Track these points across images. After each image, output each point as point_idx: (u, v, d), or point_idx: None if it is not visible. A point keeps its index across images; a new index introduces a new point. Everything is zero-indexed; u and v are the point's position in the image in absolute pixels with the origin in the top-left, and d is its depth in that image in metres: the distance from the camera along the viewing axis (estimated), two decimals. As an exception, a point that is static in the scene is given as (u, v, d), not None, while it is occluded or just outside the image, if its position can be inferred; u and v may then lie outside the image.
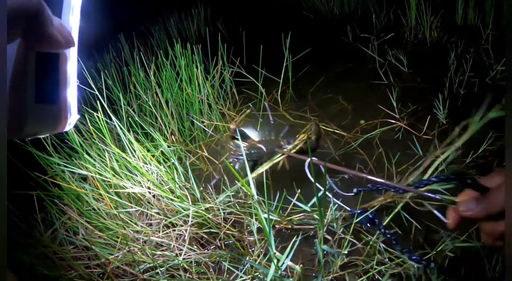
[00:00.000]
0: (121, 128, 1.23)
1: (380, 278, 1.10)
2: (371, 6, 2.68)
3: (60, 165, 1.27)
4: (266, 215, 0.73)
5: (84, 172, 1.22)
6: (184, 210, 1.20)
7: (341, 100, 1.90)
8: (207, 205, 1.21)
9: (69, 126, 0.42)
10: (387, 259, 1.10)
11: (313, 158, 1.12)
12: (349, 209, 1.13)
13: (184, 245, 1.17)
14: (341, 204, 1.12)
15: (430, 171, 1.11)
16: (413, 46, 2.33)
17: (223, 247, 1.25)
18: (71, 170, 1.25)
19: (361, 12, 2.83)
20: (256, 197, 0.67)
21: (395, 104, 1.68)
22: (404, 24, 2.47)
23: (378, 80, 1.97)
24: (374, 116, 1.70)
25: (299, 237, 1.10)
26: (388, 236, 0.99)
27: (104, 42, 2.55)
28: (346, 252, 1.06)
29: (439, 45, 2.26)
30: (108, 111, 1.27)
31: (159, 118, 1.58)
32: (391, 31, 2.35)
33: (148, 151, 1.31)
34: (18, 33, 0.36)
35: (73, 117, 0.42)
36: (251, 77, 1.72)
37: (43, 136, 0.44)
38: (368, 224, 1.15)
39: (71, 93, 0.41)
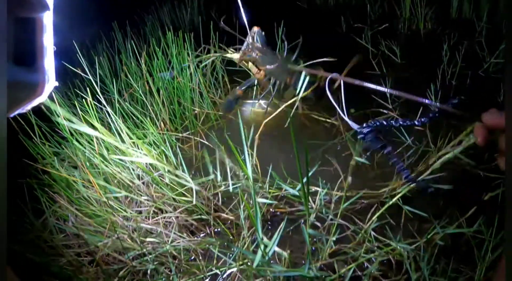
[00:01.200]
0: (110, 115, 1.22)
1: (370, 266, 1.10)
2: (365, -4, 2.67)
3: (51, 153, 1.26)
4: (260, 199, 0.73)
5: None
6: (175, 195, 1.20)
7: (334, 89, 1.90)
8: (198, 180, 1.20)
9: (47, 92, 0.43)
10: (375, 248, 1.10)
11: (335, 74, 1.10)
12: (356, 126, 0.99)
13: (172, 232, 1.16)
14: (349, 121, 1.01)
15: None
16: (406, 37, 2.33)
17: (213, 234, 1.25)
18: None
19: (355, 2, 2.81)
20: (251, 178, 0.67)
21: (388, 95, 1.68)
22: (398, 15, 2.47)
23: (371, 71, 1.97)
24: (366, 106, 1.70)
25: (286, 223, 1.10)
26: (389, 154, 0.93)
27: (97, 30, 2.53)
28: (334, 238, 1.06)
29: (432, 36, 2.25)
30: (100, 98, 1.26)
31: (149, 107, 1.57)
32: (385, 22, 2.34)
33: (139, 139, 1.30)
34: None
35: (50, 84, 0.43)
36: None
37: (24, 107, 0.44)
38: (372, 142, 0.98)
39: (49, 61, 0.42)
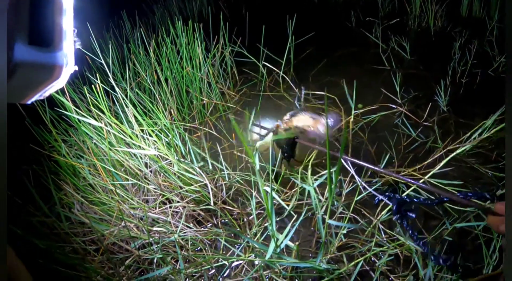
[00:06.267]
0: (118, 102, 1.20)
1: (377, 261, 1.09)
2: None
3: (58, 139, 1.25)
4: (267, 188, 0.72)
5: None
6: (183, 183, 1.19)
7: (343, 84, 1.88)
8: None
9: (65, 76, 0.41)
10: (385, 241, 1.09)
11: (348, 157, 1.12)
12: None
13: (180, 222, 1.15)
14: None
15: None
16: (416, 34, 2.31)
17: (220, 224, 1.24)
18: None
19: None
20: (258, 166, 0.66)
21: (397, 89, 1.67)
22: (408, 11, 2.45)
23: (380, 66, 1.95)
24: (375, 100, 1.69)
25: (291, 215, 1.09)
26: (413, 235, 0.97)
27: (106, 19, 2.51)
28: (345, 232, 1.05)
29: (442, 34, 2.23)
30: (115, 86, 1.25)
31: (157, 96, 1.55)
32: (395, 18, 2.32)
33: (148, 127, 1.29)
34: None
35: (69, 68, 0.41)
36: (252, 58, 1.70)
37: (41, 93, 0.42)
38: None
39: (68, 44, 0.40)
